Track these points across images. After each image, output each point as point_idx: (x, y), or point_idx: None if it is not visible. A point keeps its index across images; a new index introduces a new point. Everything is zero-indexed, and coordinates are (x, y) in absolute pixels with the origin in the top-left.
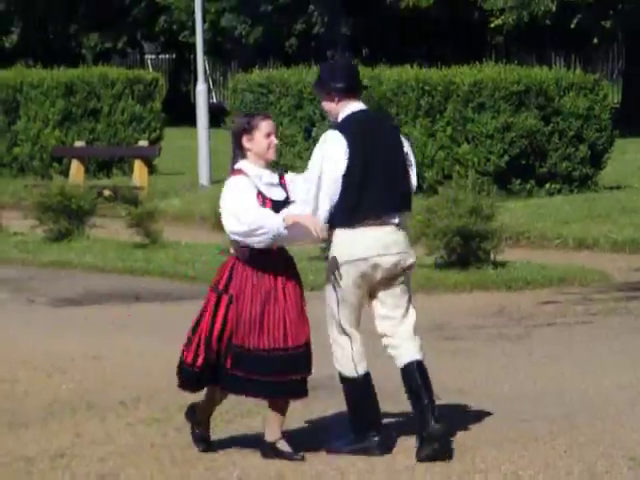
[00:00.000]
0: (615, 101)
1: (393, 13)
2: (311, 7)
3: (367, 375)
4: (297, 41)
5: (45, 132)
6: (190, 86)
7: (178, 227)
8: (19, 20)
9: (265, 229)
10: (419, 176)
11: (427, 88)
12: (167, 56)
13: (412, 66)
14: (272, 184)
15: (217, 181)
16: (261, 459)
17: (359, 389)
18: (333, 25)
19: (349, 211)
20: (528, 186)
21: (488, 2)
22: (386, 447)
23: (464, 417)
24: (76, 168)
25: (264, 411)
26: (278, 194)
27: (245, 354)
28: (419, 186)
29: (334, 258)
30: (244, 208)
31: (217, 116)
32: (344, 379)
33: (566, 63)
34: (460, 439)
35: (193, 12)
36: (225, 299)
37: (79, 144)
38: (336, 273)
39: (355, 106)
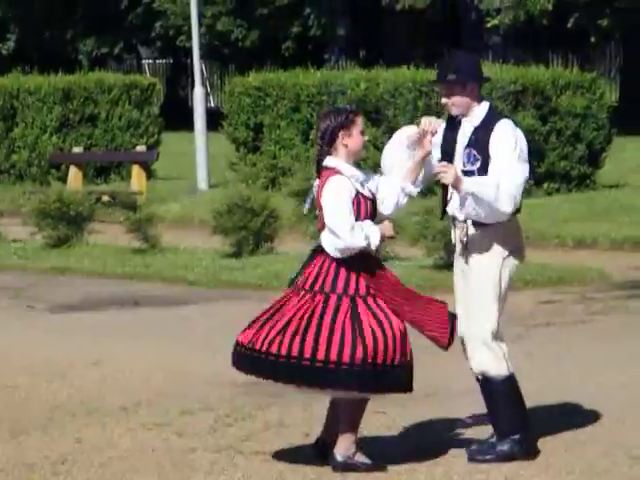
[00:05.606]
0: (613, 99)
1: (389, 14)
2: (307, 10)
3: (514, 375)
4: (293, 44)
5: (43, 138)
6: (187, 90)
7: (177, 232)
8: (16, 26)
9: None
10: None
11: (424, 89)
12: (164, 61)
13: (409, 67)
14: (364, 182)
15: (215, 185)
16: (262, 462)
17: (510, 389)
18: (329, 27)
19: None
20: (526, 185)
21: (484, 2)
22: (530, 448)
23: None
24: (74, 174)
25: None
26: (368, 192)
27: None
28: None
29: (501, 251)
30: (344, 229)
31: (215, 120)
32: (492, 380)
33: (563, 62)
34: (462, 439)
35: (189, 17)
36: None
37: (77, 150)
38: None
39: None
